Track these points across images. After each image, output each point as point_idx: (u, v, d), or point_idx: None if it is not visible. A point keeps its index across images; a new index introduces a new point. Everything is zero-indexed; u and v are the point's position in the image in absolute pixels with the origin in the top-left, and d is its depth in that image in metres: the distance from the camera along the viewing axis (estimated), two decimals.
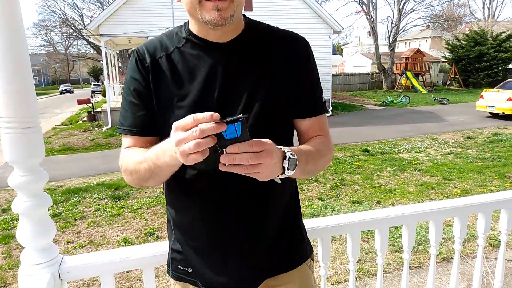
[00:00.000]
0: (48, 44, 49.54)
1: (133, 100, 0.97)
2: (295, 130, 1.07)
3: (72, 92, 44.60)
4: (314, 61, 1.03)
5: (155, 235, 4.44)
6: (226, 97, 0.93)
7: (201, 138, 0.68)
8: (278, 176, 0.82)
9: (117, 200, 5.77)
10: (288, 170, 0.81)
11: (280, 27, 1.04)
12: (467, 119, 12.91)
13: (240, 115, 0.69)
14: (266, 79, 0.94)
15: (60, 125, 14.90)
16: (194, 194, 0.98)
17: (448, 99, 18.52)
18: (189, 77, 0.94)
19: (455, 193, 5.53)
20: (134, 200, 5.75)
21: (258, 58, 0.96)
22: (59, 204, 5.68)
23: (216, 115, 0.68)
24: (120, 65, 26.04)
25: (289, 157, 0.81)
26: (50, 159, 9.11)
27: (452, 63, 27.06)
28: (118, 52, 21.65)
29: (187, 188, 0.98)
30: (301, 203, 1.46)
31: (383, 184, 6.20)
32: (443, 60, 30.51)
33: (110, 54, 16.50)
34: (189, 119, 0.70)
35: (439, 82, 29.34)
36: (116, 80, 18.43)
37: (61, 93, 43.93)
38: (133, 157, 0.94)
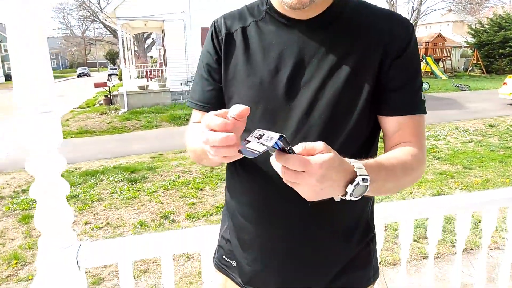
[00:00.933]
0: (65, 27, 50.02)
1: (204, 74, 0.93)
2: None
3: (89, 75, 45.04)
4: (415, 48, 0.84)
5: (171, 219, 4.48)
6: (297, 81, 0.82)
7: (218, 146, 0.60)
8: (339, 196, 0.67)
9: (133, 183, 5.83)
10: (351, 196, 0.65)
11: None
12: (489, 106, 12.51)
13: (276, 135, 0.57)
14: (348, 64, 0.80)
15: (77, 108, 15.09)
16: (253, 181, 0.89)
17: (469, 86, 17.96)
18: (261, 55, 0.85)
19: (476, 183, 5.39)
20: (150, 183, 5.80)
21: (341, 39, 0.82)
22: (77, 186, 5.77)
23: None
24: (136, 48, 26.07)
25: (358, 183, 0.64)
26: (68, 142, 9.25)
27: (475, 48, 26.16)
28: (134, 35, 21.64)
29: (247, 173, 0.90)
30: None
31: None
32: (465, 45, 29.52)
33: (126, 38, 16.50)
34: (216, 120, 0.61)
35: (460, 68, 28.47)
36: (132, 63, 18.48)
37: (79, 76, 44.43)
38: (195, 133, 0.90)
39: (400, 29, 0.83)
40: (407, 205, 1.42)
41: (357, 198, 0.66)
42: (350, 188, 0.64)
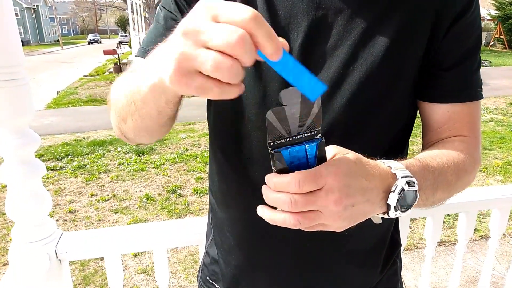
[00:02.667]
0: None
1: (161, 22, 0.63)
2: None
3: (100, 42, 44.70)
4: (477, 15, 0.61)
5: (178, 193, 4.38)
6: (315, 49, 0.58)
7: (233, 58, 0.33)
8: (378, 214, 0.50)
9: (140, 154, 5.73)
10: (397, 210, 0.47)
11: None
12: (511, 83, 11.99)
13: (314, 130, 0.40)
14: (389, 28, 0.57)
15: (87, 76, 14.96)
16: (237, 188, 0.68)
17: (490, 61, 17.26)
18: (265, 7, 0.59)
19: (496, 165, 5.14)
20: (158, 155, 5.69)
21: None
22: (85, 156, 5.70)
23: (283, 42, 0.36)
24: (147, 15, 25.52)
25: (402, 189, 0.46)
26: (76, 110, 9.17)
27: (498, 21, 24.97)
28: (144, 1, 21.10)
29: (239, 175, 0.67)
30: None
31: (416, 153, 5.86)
32: (488, 18, 28.21)
33: (136, 3, 16.06)
34: (244, 8, 0.33)
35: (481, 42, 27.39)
36: (143, 31, 18.09)
37: (89, 43, 44.16)
38: (124, 81, 0.57)
39: None
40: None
41: (406, 213, 0.47)
42: (393, 199, 0.46)
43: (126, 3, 15.28)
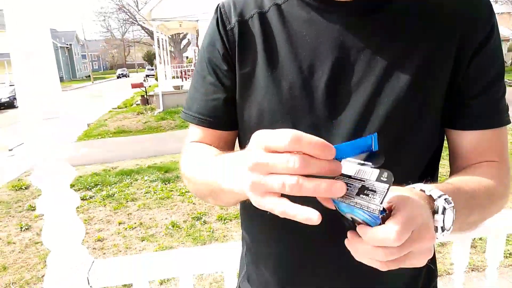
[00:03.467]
0: (106, 30, 52.00)
1: (208, 77, 0.69)
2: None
3: (128, 76, 46.70)
4: (498, 40, 0.62)
5: (202, 220, 4.42)
6: (341, 85, 0.60)
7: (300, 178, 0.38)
8: None
9: (166, 183, 5.85)
10: (444, 230, 0.48)
11: None
12: None
13: (384, 172, 0.40)
14: (412, 60, 0.59)
15: (116, 108, 15.56)
16: (271, 224, 0.68)
17: None
18: (288, 50, 0.63)
19: None
20: (183, 183, 5.79)
21: (400, 26, 0.60)
22: (113, 185, 5.87)
23: (332, 148, 0.39)
24: (172, 49, 26.60)
25: (444, 208, 0.48)
26: (106, 141, 9.52)
27: None
28: (170, 36, 22.08)
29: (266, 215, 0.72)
30: None
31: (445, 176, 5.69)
32: None
33: (162, 39, 16.82)
34: (284, 134, 0.39)
35: (507, 62, 26.71)
36: (168, 64, 18.82)
37: (118, 77, 46.21)
38: (195, 159, 0.66)
39: (480, 9, 0.60)
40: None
41: (450, 232, 0.49)
42: (439, 220, 0.47)
43: (153, 39, 16.02)
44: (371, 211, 0.39)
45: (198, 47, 18.04)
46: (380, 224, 0.41)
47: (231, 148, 0.73)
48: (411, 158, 0.62)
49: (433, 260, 0.76)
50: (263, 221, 0.70)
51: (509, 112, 0.65)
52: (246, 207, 0.74)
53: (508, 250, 3.21)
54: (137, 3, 37.62)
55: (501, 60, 0.63)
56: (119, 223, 4.51)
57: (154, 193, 5.46)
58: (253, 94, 0.65)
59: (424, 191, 0.49)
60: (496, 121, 0.63)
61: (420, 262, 0.43)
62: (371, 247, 0.41)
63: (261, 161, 0.40)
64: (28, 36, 0.84)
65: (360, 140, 0.40)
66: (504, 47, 27.29)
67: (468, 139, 0.64)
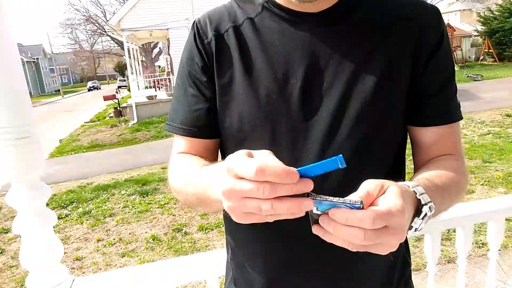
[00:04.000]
0: (74, 42, 50.69)
1: (189, 89, 0.73)
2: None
3: (99, 88, 45.73)
4: (448, 44, 0.70)
5: (183, 231, 4.38)
6: (313, 90, 0.66)
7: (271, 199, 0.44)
8: None
9: (144, 195, 5.77)
10: (416, 230, 0.54)
11: None
12: (504, 95, 12.13)
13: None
14: (377, 64, 0.65)
15: (88, 122, 15.22)
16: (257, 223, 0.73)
17: (482, 75, 17.49)
18: (263, 60, 0.68)
19: (498, 177, 5.16)
20: (162, 195, 5.72)
21: (363, 33, 0.67)
22: (89, 202, 5.73)
23: (295, 173, 0.44)
24: (143, 59, 26.28)
25: (425, 214, 0.53)
26: (79, 156, 9.29)
27: (485, 36, 25.59)
28: (140, 46, 21.82)
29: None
30: None
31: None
32: (475, 34, 28.93)
33: (133, 49, 16.62)
34: (249, 166, 0.43)
35: (471, 57, 27.87)
36: (140, 74, 18.59)
37: (89, 90, 45.22)
38: (183, 171, 0.70)
39: (430, 16, 0.68)
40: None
41: (421, 229, 0.54)
42: (417, 223, 0.53)
43: (123, 49, 15.80)
44: (353, 203, 0.45)
45: (170, 55, 17.91)
46: None
47: (215, 155, 0.78)
48: (381, 151, 0.69)
49: (406, 249, 0.82)
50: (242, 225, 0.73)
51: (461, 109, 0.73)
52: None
53: (481, 240, 3.35)
54: (105, 13, 37.06)
55: (452, 62, 0.71)
56: (98, 240, 4.41)
57: (133, 207, 5.37)
58: (232, 102, 0.70)
59: (415, 193, 0.53)
60: (452, 117, 0.71)
61: (384, 252, 0.48)
62: (355, 229, 0.45)
63: (235, 188, 0.45)
64: None
65: (326, 161, 0.44)
66: (467, 42, 28.48)
67: (429, 135, 0.71)
